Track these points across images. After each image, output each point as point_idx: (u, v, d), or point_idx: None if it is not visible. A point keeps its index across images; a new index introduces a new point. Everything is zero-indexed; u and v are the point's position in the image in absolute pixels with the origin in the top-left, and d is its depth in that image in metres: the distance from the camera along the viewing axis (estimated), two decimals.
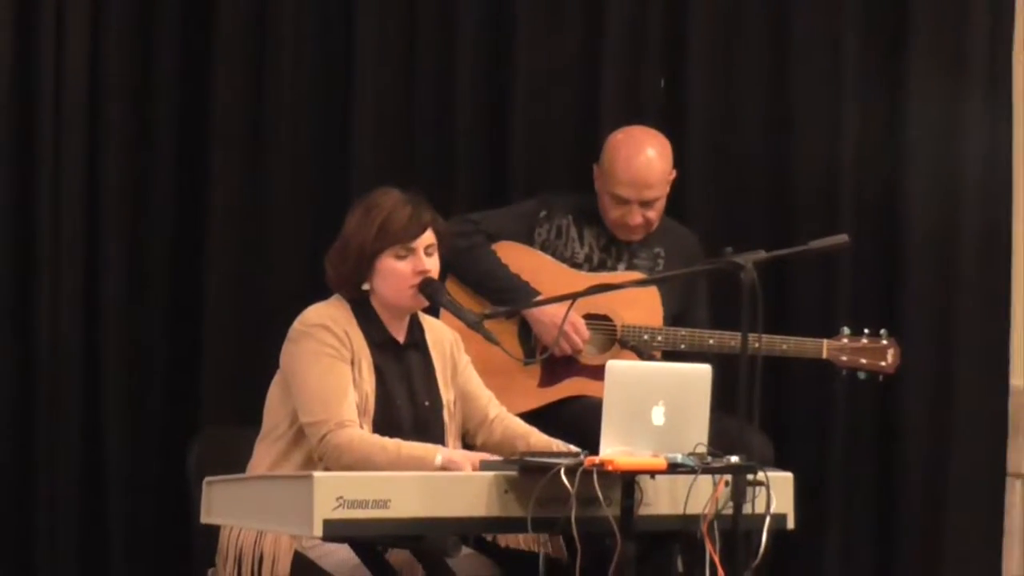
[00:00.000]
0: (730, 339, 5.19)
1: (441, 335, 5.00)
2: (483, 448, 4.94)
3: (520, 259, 5.51)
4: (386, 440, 4.70)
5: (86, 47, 5.96)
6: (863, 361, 5.43)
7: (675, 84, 6.02)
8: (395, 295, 4.86)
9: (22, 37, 5.86)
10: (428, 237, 4.86)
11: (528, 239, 5.56)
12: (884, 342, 5.45)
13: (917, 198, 5.93)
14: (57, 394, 5.88)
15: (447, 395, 4.92)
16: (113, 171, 6.03)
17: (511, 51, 6.04)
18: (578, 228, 5.58)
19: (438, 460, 4.60)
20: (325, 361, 4.77)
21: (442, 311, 5.03)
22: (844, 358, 5.43)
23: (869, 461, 5.90)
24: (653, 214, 5.52)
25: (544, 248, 5.56)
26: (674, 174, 5.57)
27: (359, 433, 4.71)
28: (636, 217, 5.50)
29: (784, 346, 5.41)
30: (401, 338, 4.90)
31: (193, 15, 6.12)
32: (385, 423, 4.79)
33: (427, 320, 5.00)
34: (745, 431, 4.80)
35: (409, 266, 4.84)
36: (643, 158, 5.50)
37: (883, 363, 5.45)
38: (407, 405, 4.86)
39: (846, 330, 5.45)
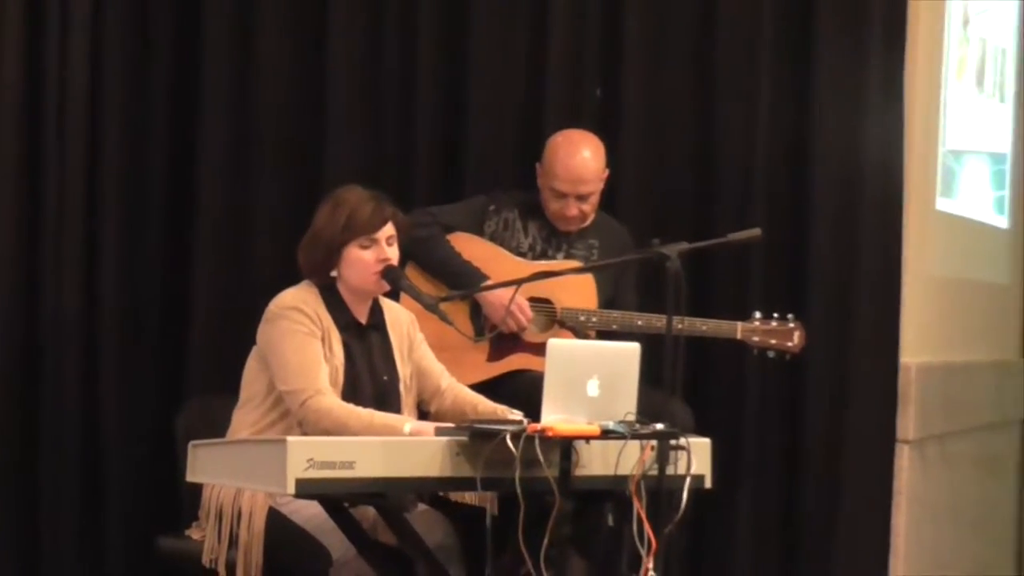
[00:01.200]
0: (656, 321, 5.18)
1: (399, 316, 5.02)
2: (436, 414, 4.99)
3: (472, 248, 5.51)
4: (360, 409, 4.72)
5: (86, 48, 5.90)
6: (772, 342, 5.45)
7: (610, 93, 5.99)
8: (360, 281, 4.88)
9: (29, 43, 5.80)
10: (389, 229, 4.89)
11: (479, 230, 5.55)
12: (791, 325, 5.46)
13: (821, 194, 5.91)
14: (60, 365, 5.85)
15: (404, 370, 4.95)
16: (111, 161, 5.98)
17: (467, 64, 6.02)
18: (523, 221, 5.58)
19: (407, 428, 4.62)
20: (300, 337, 4.79)
21: (402, 294, 5.04)
22: (756, 339, 5.45)
23: (776, 429, 5.89)
24: (588, 207, 5.53)
25: (493, 239, 5.56)
26: (607, 172, 5.57)
27: (337, 401, 4.74)
28: (572, 209, 5.51)
29: (703, 327, 5.42)
30: (364, 320, 4.93)
31: (183, 26, 6.09)
32: (350, 395, 4.81)
33: (387, 304, 5.02)
34: (669, 402, 4.84)
35: (373, 255, 4.86)
36: (579, 157, 5.51)
37: (790, 343, 5.46)
38: (368, 379, 4.88)
39: (758, 314, 5.46)
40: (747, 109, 5.95)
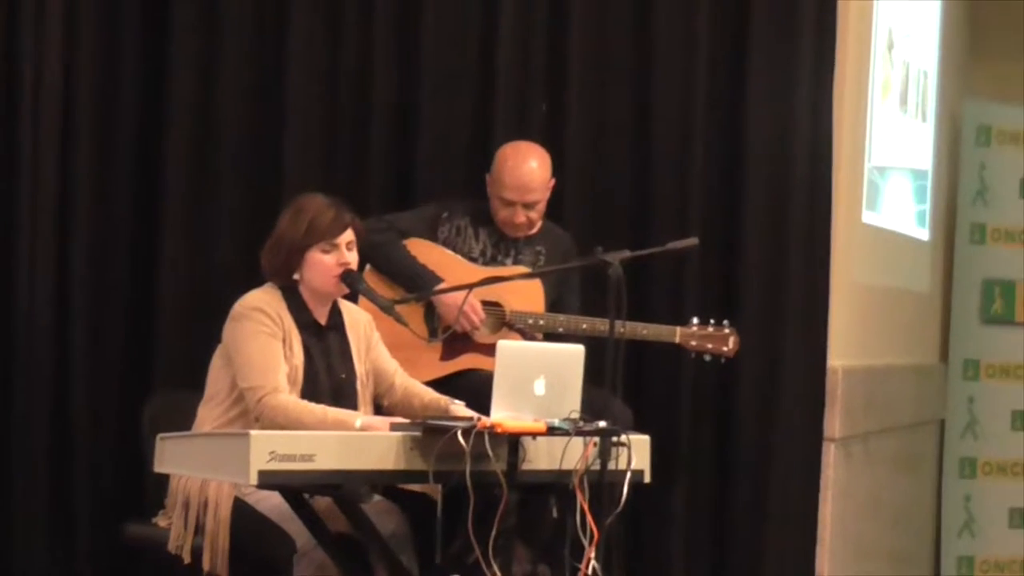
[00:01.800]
0: (600, 324, 5.19)
1: (357, 318, 5.04)
2: (388, 408, 5.02)
3: (427, 253, 5.50)
4: (314, 405, 4.74)
5: (60, 49, 5.86)
6: (709, 346, 5.46)
7: (555, 107, 6.00)
8: (321, 284, 4.89)
9: (5, 40, 5.77)
10: (348, 235, 4.91)
11: (432, 236, 5.55)
12: (727, 331, 5.48)
13: (753, 205, 5.93)
14: (31, 358, 5.80)
15: (360, 369, 4.97)
16: (82, 160, 5.94)
17: (419, 77, 6.02)
18: (474, 228, 5.58)
19: (358, 424, 4.65)
20: (262, 338, 4.79)
21: (360, 296, 5.06)
22: (693, 343, 5.46)
23: (711, 427, 5.91)
24: (535, 215, 5.54)
25: (446, 244, 5.55)
26: (553, 182, 5.57)
27: (291, 398, 4.75)
28: (520, 217, 5.52)
29: (644, 331, 5.43)
30: (323, 321, 4.94)
31: (152, 30, 6.06)
32: (309, 392, 4.83)
33: (346, 306, 5.04)
34: (610, 401, 4.86)
35: (333, 259, 4.88)
36: (527, 167, 5.51)
37: (725, 348, 5.48)
38: (326, 377, 4.89)
39: (695, 320, 5.47)
40: (683, 126, 5.97)
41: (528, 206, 5.51)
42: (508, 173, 5.50)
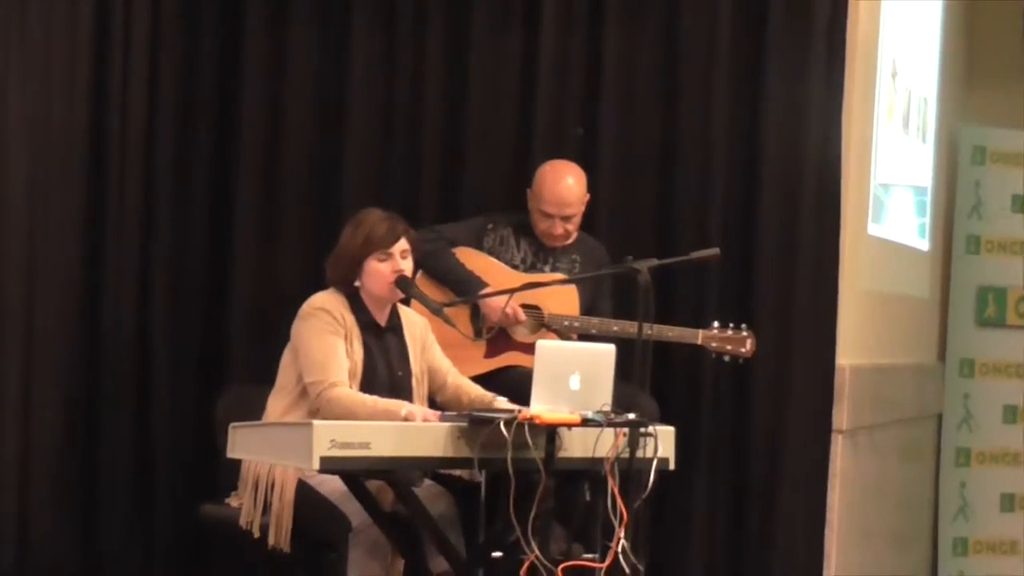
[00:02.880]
0: (629, 326, 5.16)
1: (415, 322, 5.05)
2: (442, 403, 5.01)
3: (473, 260, 5.50)
4: (366, 396, 4.75)
5: (146, 73, 5.88)
6: (728, 347, 5.44)
7: (589, 131, 5.99)
8: (378, 289, 4.90)
9: (97, 64, 5.77)
10: (402, 244, 4.92)
11: (478, 245, 5.54)
12: (744, 333, 5.45)
13: (768, 219, 5.90)
14: (118, 357, 5.83)
15: (416, 368, 4.97)
16: (164, 180, 5.97)
17: (467, 104, 6.03)
18: (516, 239, 5.58)
19: (403, 412, 4.65)
20: (325, 336, 4.81)
21: (412, 300, 5.06)
22: (714, 344, 5.44)
23: (729, 420, 5.89)
24: (571, 227, 5.53)
25: (491, 253, 5.54)
26: (588, 197, 5.57)
27: (347, 391, 4.76)
28: (558, 229, 5.51)
29: (670, 333, 5.41)
30: (383, 323, 4.95)
31: (226, 61, 6.10)
32: (368, 385, 4.84)
33: (404, 311, 5.05)
34: (638, 395, 4.88)
35: (388, 267, 4.89)
36: (564, 184, 5.51)
37: (743, 349, 5.45)
38: (385, 373, 4.90)
39: (716, 324, 5.45)
40: (705, 149, 5.94)
41: (566, 219, 5.50)
42: (548, 189, 5.49)
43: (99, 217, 5.78)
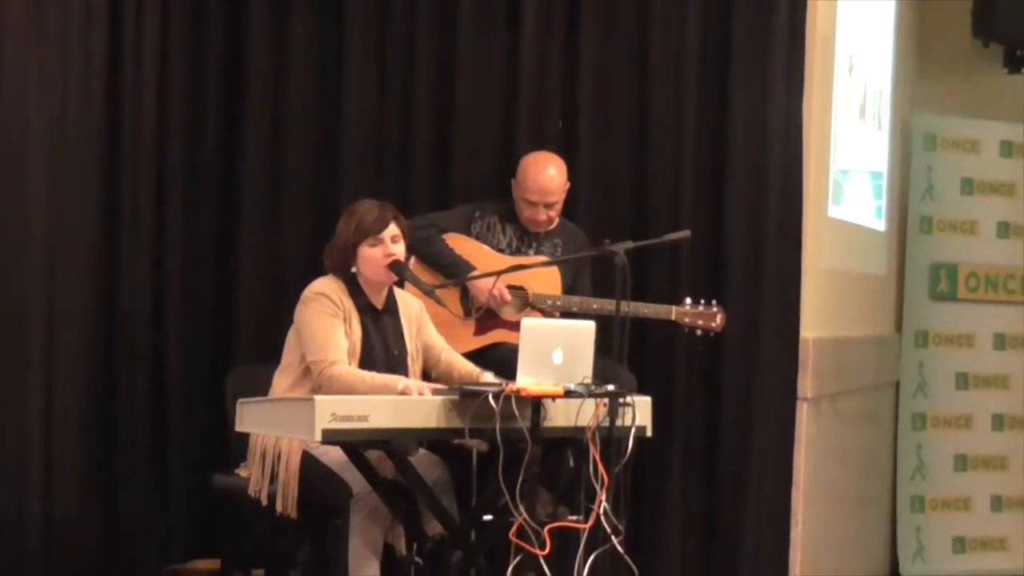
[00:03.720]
0: (608, 304, 5.14)
1: (410, 303, 5.04)
2: (436, 377, 5.00)
3: (462, 245, 5.49)
4: (364, 372, 4.75)
5: (157, 72, 5.85)
6: (700, 322, 5.42)
7: (569, 124, 5.97)
8: (373, 273, 4.89)
9: (111, 62, 5.72)
10: (393, 229, 4.90)
11: (466, 231, 5.53)
12: (715, 309, 5.43)
13: (736, 203, 5.89)
14: (134, 337, 5.80)
15: (411, 346, 4.96)
16: (175, 174, 5.95)
17: (455, 99, 6.01)
18: (502, 225, 5.56)
19: (400, 386, 4.65)
20: (325, 318, 4.80)
21: (406, 283, 5.05)
22: (687, 320, 5.42)
23: (702, 390, 5.88)
24: (554, 214, 5.51)
25: (478, 238, 5.52)
26: (568, 186, 5.56)
27: (347, 368, 4.75)
28: (541, 215, 5.50)
29: (645, 310, 5.39)
30: (379, 306, 4.94)
31: (231, 60, 6.09)
32: (366, 364, 4.84)
33: (400, 293, 5.04)
34: (617, 368, 4.87)
35: (380, 251, 4.87)
36: (547, 173, 5.49)
37: (714, 324, 5.44)
38: (381, 352, 4.90)
39: (688, 300, 5.43)
40: (676, 139, 5.92)
41: (548, 206, 5.48)
42: (531, 179, 5.47)
43: (114, 209, 5.74)
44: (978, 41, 7.51)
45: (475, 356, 5.21)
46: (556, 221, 5.56)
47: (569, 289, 5.49)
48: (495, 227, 5.56)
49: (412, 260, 5.25)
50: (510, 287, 5.42)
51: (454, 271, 5.40)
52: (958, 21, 7.50)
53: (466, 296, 5.48)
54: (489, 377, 4.81)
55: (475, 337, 5.42)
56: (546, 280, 5.45)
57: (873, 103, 7.01)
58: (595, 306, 5.33)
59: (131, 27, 5.75)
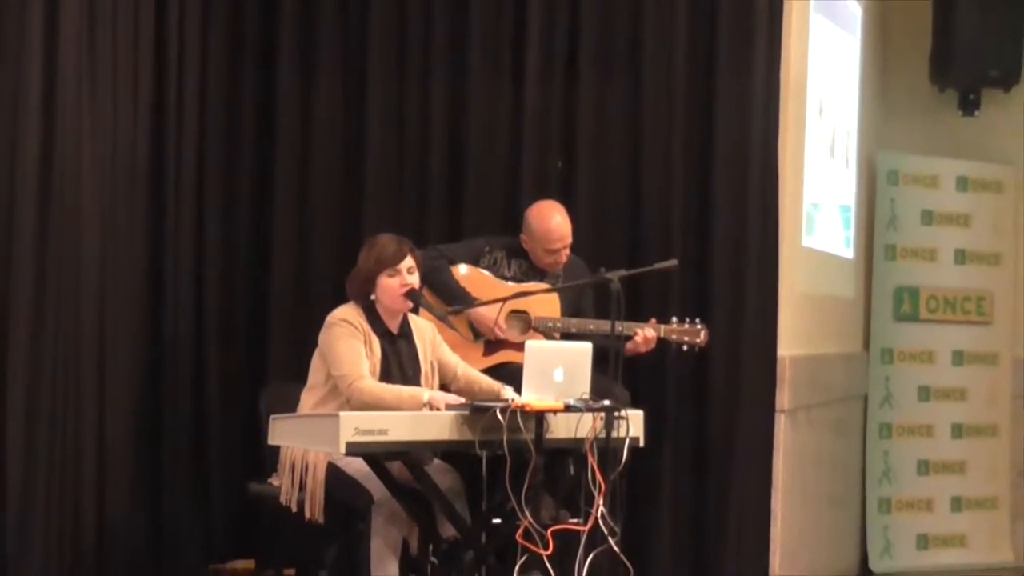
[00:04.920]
0: (604, 325, 5.13)
1: (423, 327, 5.02)
2: (455, 391, 4.96)
3: (474, 275, 5.45)
4: (391, 386, 4.73)
5: (196, 116, 5.87)
6: (686, 339, 5.40)
7: (568, 165, 5.95)
8: (390, 301, 4.88)
9: (155, 106, 5.74)
10: (408, 262, 4.89)
11: (476, 263, 5.50)
12: (699, 327, 5.41)
13: (720, 234, 5.85)
14: (177, 358, 5.81)
15: (426, 366, 4.95)
16: (213, 211, 5.96)
17: (466, 140, 6.01)
18: (508, 260, 5.53)
19: (425, 397, 4.64)
20: (349, 340, 4.80)
21: (421, 309, 5.02)
22: (674, 337, 5.40)
23: (689, 403, 5.84)
24: (569, 251, 5.50)
25: (486, 270, 5.50)
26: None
27: (373, 382, 4.75)
28: (563, 257, 5.47)
29: (637, 329, 5.37)
30: (395, 331, 4.93)
31: (263, 106, 6.08)
32: (384, 382, 4.80)
33: (414, 319, 5.02)
34: (612, 385, 4.85)
35: (397, 281, 4.86)
36: (556, 221, 5.45)
37: (698, 340, 5.41)
38: (398, 373, 4.89)
39: (675, 319, 5.42)
40: (666, 177, 5.89)
41: (566, 247, 5.47)
42: (546, 231, 5.44)
43: (158, 239, 5.75)
44: (935, 87, 7.52)
45: (484, 373, 5.16)
46: None
47: (571, 313, 5.45)
48: (501, 261, 5.54)
49: (425, 288, 5.21)
50: (515, 311, 5.39)
51: (457, 299, 5.35)
52: (917, 69, 7.50)
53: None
54: (509, 391, 4.78)
55: (484, 357, 5.39)
56: (547, 305, 5.42)
57: (841, 142, 6.99)
58: (592, 327, 5.29)
59: (173, 78, 5.77)
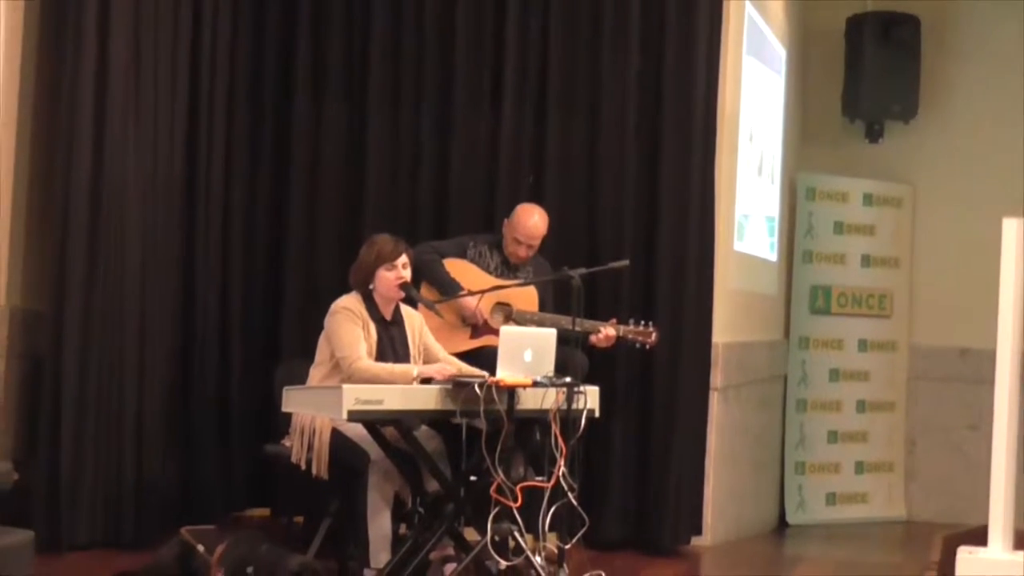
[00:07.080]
0: (564, 321, 5.11)
1: (412, 315, 5.00)
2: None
3: (460, 267, 5.44)
4: (385, 364, 4.71)
5: (223, 143, 5.85)
6: (640, 338, 5.34)
7: (538, 180, 5.93)
8: (386, 292, 4.86)
9: (189, 135, 5.72)
10: (403, 258, 4.87)
11: (462, 256, 5.48)
12: (651, 329, 5.35)
13: (664, 243, 5.82)
14: (205, 339, 5.78)
15: (414, 350, 4.93)
16: (237, 212, 5.93)
17: (451, 158, 5.98)
18: (490, 252, 5.51)
19: (415, 372, 4.62)
20: (350, 325, 4.77)
21: (414, 299, 5.00)
22: (630, 336, 5.33)
23: (637, 381, 5.84)
24: (532, 252, 5.47)
25: (472, 261, 5.48)
26: (546, 233, 5.50)
27: (370, 361, 4.72)
28: (522, 251, 5.45)
29: (600, 326, 5.30)
30: (388, 318, 4.90)
31: (281, 131, 6.04)
32: (379, 361, 4.77)
33: (406, 309, 5.00)
34: (575, 353, 4.91)
35: (393, 275, 4.84)
36: (533, 221, 5.45)
37: (649, 340, 5.35)
38: (391, 355, 4.86)
39: (632, 321, 5.36)
40: (619, 193, 5.88)
41: (530, 247, 5.45)
42: (521, 224, 5.43)
43: (190, 240, 5.76)
44: (846, 118, 7.56)
45: (471, 355, 5.16)
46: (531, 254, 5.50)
47: (542, 302, 5.43)
48: (485, 254, 5.52)
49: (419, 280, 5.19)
50: (499, 303, 5.38)
51: (446, 290, 5.34)
52: (831, 103, 7.53)
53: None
54: (471, 369, 4.77)
55: (470, 340, 5.37)
56: (527, 297, 5.41)
57: (768, 164, 7.01)
58: (563, 322, 5.22)
59: (205, 107, 5.78)
